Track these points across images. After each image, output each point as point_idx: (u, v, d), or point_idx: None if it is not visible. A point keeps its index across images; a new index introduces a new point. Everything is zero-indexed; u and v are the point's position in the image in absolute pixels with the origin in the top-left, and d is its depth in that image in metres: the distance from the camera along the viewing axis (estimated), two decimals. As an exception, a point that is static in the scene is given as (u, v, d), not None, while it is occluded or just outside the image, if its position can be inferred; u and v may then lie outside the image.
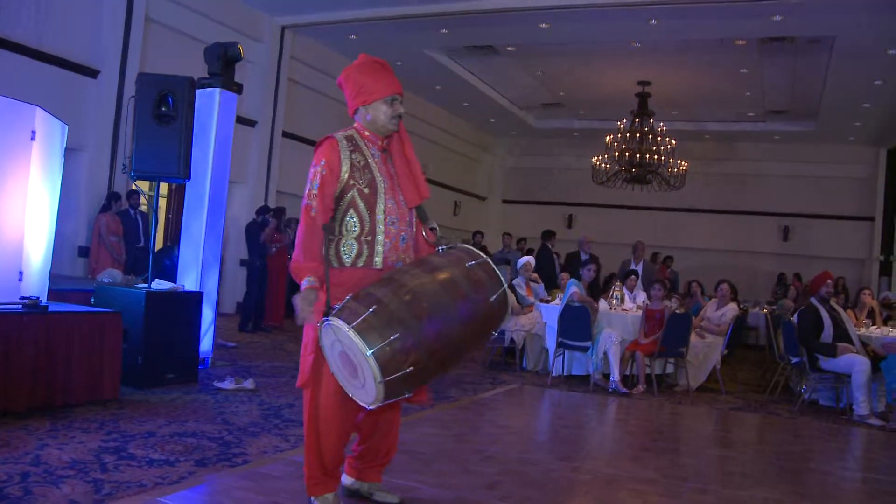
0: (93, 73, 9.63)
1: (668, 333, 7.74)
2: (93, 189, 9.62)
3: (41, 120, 4.58)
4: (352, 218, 3.01)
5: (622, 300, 8.81)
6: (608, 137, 14.71)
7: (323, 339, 2.80)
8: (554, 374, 8.20)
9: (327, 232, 2.98)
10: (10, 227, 4.42)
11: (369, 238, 3.01)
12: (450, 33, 12.61)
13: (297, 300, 2.87)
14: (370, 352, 2.55)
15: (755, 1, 9.79)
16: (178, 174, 5.77)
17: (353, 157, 3.03)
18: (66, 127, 5.14)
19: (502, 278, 2.97)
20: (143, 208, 9.58)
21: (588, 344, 7.84)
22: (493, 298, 2.87)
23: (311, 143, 13.89)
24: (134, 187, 9.32)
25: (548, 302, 9.04)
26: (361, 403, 2.77)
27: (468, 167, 20.90)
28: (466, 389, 7.09)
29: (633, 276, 9.47)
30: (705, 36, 11.70)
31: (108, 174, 9.73)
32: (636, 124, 14.53)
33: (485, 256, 2.98)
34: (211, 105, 6.85)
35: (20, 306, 4.37)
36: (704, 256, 18.51)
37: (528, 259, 9.89)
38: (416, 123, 17.23)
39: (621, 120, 14.76)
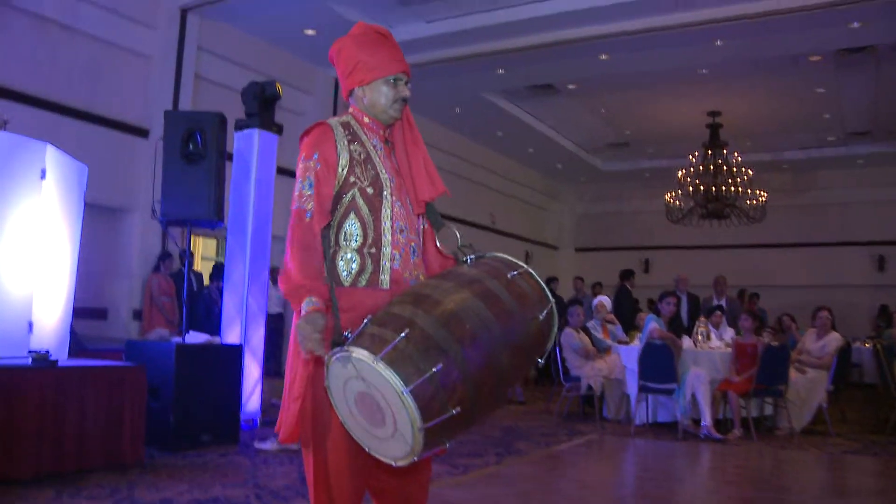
0: (143, 133, 9.49)
1: (764, 369, 6.90)
2: (146, 249, 9.39)
3: (52, 158, 4.24)
4: (352, 224, 2.39)
5: (707, 337, 8.00)
6: (680, 172, 13.97)
7: (331, 377, 2.16)
8: (637, 422, 7.41)
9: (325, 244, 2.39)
10: (18, 272, 4.04)
11: (373, 250, 2.39)
12: (507, 73, 12.18)
13: (300, 326, 2.21)
14: (407, 389, 1.92)
15: (829, 8, 9.05)
16: (210, 216, 5.36)
17: (352, 147, 2.42)
18: (86, 168, 4.80)
19: (547, 291, 2.37)
20: (198, 268, 9.31)
21: (673, 386, 7.06)
22: (542, 315, 2.26)
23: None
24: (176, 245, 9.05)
25: (626, 343, 8.29)
26: (386, 460, 2.12)
27: (537, 216, 20.30)
28: (539, 442, 6.39)
29: (717, 312, 8.66)
30: (776, 53, 10.92)
31: (161, 234, 9.50)
32: (709, 157, 13.76)
33: (525, 266, 2.36)
34: (250, 147, 6.52)
35: (27, 360, 3.96)
36: (792, 293, 17.29)
37: (602, 298, 9.21)
38: (480, 173, 16.82)
39: (693, 154, 14.00)
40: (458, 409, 1.99)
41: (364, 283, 2.37)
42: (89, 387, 4.12)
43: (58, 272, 4.43)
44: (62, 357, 4.53)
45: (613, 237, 20.31)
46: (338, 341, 2.14)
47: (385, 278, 2.39)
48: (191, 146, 5.28)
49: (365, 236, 2.39)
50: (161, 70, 9.59)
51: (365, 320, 2.10)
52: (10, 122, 8.04)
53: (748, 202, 13.98)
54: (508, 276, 2.27)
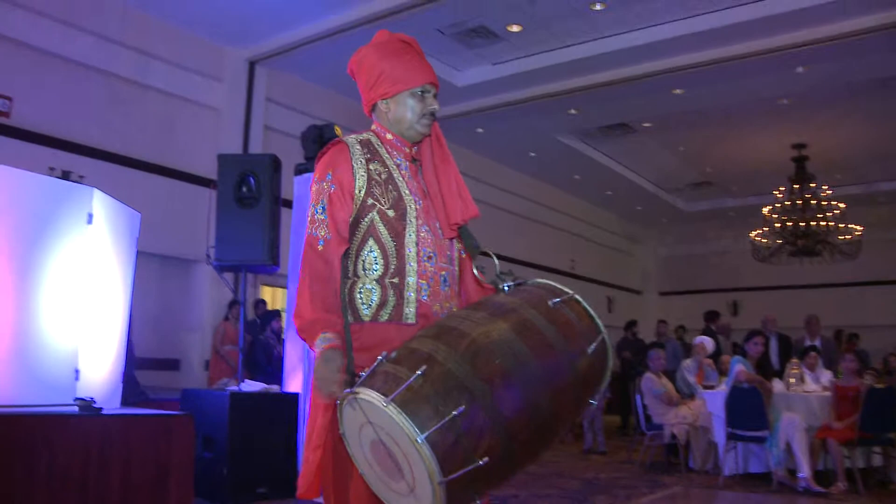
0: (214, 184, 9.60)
1: (869, 415, 6.30)
2: (217, 299, 9.39)
3: (100, 203, 4.16)
4: (371, 252, 2.14)
5: (802, 380, 7.41)
6: (766, 209, 13.34)
7: (345, 422, 1.89)
8: (727, 473, 6.85)
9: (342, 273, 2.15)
10: (64, 318, 3.94)
11: (396, 280, 2.13)
12: (579, 113, 11.92)
13: (317, 367, 1.97)
14: (423, 436, 1.64)
15: (921, 25, 8.49)
16: (264, 260, 5.22)
17: (371, 167, 2.19)
18: (139, 215, 4.73)
19: (598, 321, 2.06)
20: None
21: (765, 433, 6.51)
22: (591, 349, 1.95)
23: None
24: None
25: (711, 388, 7.75)
26: None
27: (619, 260, 19.76)
28: (618, 495, 5.95)
29: (812, 353, 8.05)
30: (864, 77, 10.31)
31: (233, 282, 9.50)
32: (796, 192, 13.10)
33: (571, 292, 2.06)
34: (308, 191, 6.39)
35: (72, 408, 3.84)
36: (891, 333, 16.22)
37: (703, 339, 8.65)
38: (559, 217, 16.51)
39: (778, 189, 13.36)
40: (487, 459, 1.69)
41: (386, 317, 2.11)
42: (135, 436, 3.96)
43: (108, 319, 4.32)
44: (114, 405, 4.41)
45: (699, 279, 19.59)
46: (350, 383, 1.89)
47: (410, 311, 2.12)
48: (244, 189, 5.18)
49: (386, 265, 2.14)
50: (230, 121, 9.70)
51: (379, 357, 1.83)
52: (86, 178, 8.24)
53: (840, 238, 13.22)
54: (550, 303, 1.97)
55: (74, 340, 4.00)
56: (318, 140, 6.59)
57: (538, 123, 12.40)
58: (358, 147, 2.22)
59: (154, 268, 8.87)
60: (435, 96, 2.29)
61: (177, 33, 9.04)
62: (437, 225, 2.24)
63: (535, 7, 8.68)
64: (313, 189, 2.19)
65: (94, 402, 3.90)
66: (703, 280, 19.46)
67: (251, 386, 5.23)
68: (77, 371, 3.99)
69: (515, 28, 9.40)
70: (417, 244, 2.16)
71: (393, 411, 1.67)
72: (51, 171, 7.73)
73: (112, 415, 3.98)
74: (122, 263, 4.50)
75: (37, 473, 3.54)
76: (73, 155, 8.22)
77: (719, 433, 7.02)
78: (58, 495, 3.63)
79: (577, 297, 2.06)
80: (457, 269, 2.30)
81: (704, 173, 15.51)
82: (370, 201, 2.15)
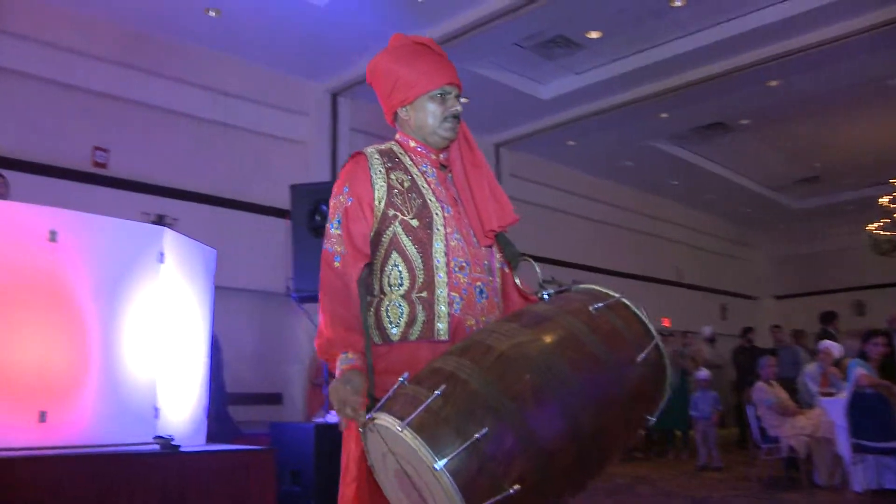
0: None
1: None
2: (312, 331, 9.44)
3: (171, 241, 4.20)
4: (396, 266, 2.01)
5: (932, 382, 6.78)
6: (884, 199, 12.49)
7: (370, 450, 1.77)
8: (857, 489, 6.33)
9: (363, 291, 2.02)
10: (141, 357, 3.97)
11: (424, 294, 1.98)
12: (670, 116, 11.50)
13: (334, 388, 1.86)
14: (441, 463, 1.47)
15: None
16: (341, 289, 5.15)
17: (392, 176, 2.07)
18: (214, 252, 4.76)
19: (650, 326, 1.84)
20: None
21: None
22: (640, 358, 1.73)
23: (544, 260, 13.23)
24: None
25: (831, 395, 7.20)
26: None
27: (730, 265, 18.93)
28: (733, 515, 5.56)
29: (943, 352, 7.37)
30: None
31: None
32: (917, 178, 12.23)
33: (617, 296, 1.85)
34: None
35: (152, 446, 3.85)
36: None
37: (829, 344, 8.09)
38: (660, 226, 15.98)
39: (896, 178, 12.50)
40: (518, 487, 1.51)
41: (417, 335, 1.96)
42: (214, 472, 3.93)
43: (187, 356, 4.34)
44: (198, 442, 4.41)
45: (818, 280, 18.54)
46: (371, 406, 1.74)
47: (442, 327, 1.96)
48: (317, 218, 5.15)
49: (413, 279, 1.99)
50: (317, 154, 9.81)
51: (400, 379, 1.68)
52: (180, 221, 8.47)
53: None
54: (591, 309, 1.77)
55: (153, 378, 4.02)
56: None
57: (630, 131, 12.03)
58: (377, 157, 2.10)
59: (254, 303, 9.02)
60: (457, 97, 2.15)
61: (258, 71, 9.22)
62: (472, 233, 2.08)
63: (612, 11, 8.42)
64: (331, 204, 2.08)
65: (173, 439, 3.90)
66: (823, 280, 18.40)
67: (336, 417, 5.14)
68: (157, 409, 4.00)
69: (595, 34, 9.13)
70: (447, 254, 2.02)
71: (408, 436, 1.52)
72: (145, 217, 7.99)
73: (191, 452, 3.97)
74: (198, 300, 4.52)
75: (117, 514, 3.55)
76: (166, 199, 8.47)
77: (843, 445, 6.49)
78: (139, 536, 3.63)
79: (625, 300, 1.85)
80: (497, 279, 2.14)
81: (812, 168, 14.67)
82: (391, 212, 2.03)
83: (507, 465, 1.52)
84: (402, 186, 2.06)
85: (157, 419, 3.99)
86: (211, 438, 4.75)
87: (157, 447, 3.86)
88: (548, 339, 1.68)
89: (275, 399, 9.13)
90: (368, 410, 1.73)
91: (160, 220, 8.22)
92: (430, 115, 2.12)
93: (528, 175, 12.96)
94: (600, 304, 1.79)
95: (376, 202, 2.03)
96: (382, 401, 1.66)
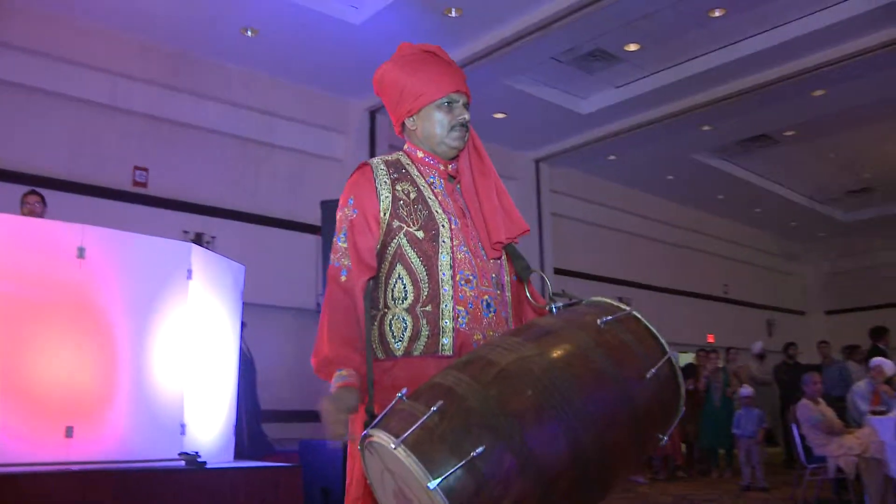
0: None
1: None
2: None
3: (199, 258, 4.22)
4: (400, 279, 1.95)
5: None
6: (937, 210, 12.11)
7: (369, 469, 1.70)
8: (912, 513, 6.08)
9: (367, 305, 1.97)
10: (169, 373, 3.98)
11: (429, 307, 1.91)
12: (714, 129, 11.32)
13: (323, 406, 1.81)
14: (436, 483, 1.40)
15: None
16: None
17: (398, 187, 2.01)
18: (243, 268, 4.77)
19: (662, 340, 1.75)
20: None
21: (950, 464, 5.72)
22: (650, 374, 1.64)
23: (586, 276, 13.09)
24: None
25: (882, 414, 6.94)
26: None
27: (777, 281, 18.53)
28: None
29: None
30: None
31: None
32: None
33: (628, 309, 1.77)
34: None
35: (178, 462, 3.84)
36: None
37: (881, 361, 7.76)
38: (706, 241, 15.72)
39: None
40: (516, 510, 1.44)
41: (420, 349, 1.90)
42: (241, 489, 3.92)
43: (215, 372, 4.35)
44: (225, 458, 4.41)
45: (870, 294, 17.98)
46: (368, 423, 1.68)
47: (447, 342, 1.90)
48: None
49: (417, 292, 1.93)
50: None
51: (398, 394, 1.62)
52: (218, 239, 8.55)
53: None
54: (599, 323, 1.70)
55: (180, 394, 4.03)
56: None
57: (672, 144, 11.87)
58: (383, 168, 2.06)
59: (288, 320, 9.04)
60: (466, 105, 2.09)
61: (296, 90, 9.31)
62: (480, 245, 2.02)
63: (650, 23, 8.31)
64: (337, 217, 2.04)
65: (199, 455, 3.89)
66: (876, 295, 17.84)
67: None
68: (183, 425, 4.00)
69: (633, 47, 9.04)
70: (453, 267, 1.95)
71: (402, 454, 1.46)
72: (185, 235, 8.08)
73: (217, 468, 3.97)
74: (227, 316, 4.53)
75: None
76: (205, 217, 8.56)
77: (895, 466, 6.23)
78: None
79: (636, 313, 1.77)
80: (507, 293, 2.07)
81: (862, 179, 14.30)
82: (396, 224, 1.98)
83: (505, 486, 1.44)
84: (409, 198, 2.01)
85: (183, 435, 4.00)
86: (244, 455, 4.74)
87: (182, 463, 3.86)
88: (552, 353, 1.61)
89: (310, 416, 9.10)
90: (366, 427, 1.68)
91: (198, 238, 8.32)
92: (437, 124, 2.06)
93: (568, 190, 12.87)
94: (609, 318, 1.71)
95: (381, 213, 1.98)
96: (379, 417, 1.60)
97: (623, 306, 1.79)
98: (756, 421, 8.38)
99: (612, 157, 12.39)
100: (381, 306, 1.97)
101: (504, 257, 2.09)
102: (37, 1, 7.41)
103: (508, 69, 9.24)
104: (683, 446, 10.23)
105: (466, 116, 2.06)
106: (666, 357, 1.71)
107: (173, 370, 4.02)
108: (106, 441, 3.75)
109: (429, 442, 1.46)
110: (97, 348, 3.79)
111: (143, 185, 8.30)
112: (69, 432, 3.63)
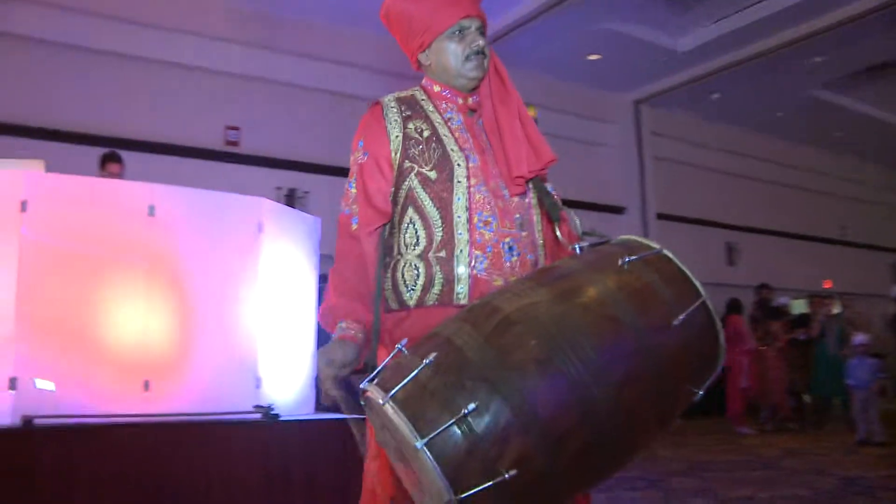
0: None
1: None
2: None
3: (270, 212, 4.21)
4: (412, 224, 1.81)
5: None
6: None
7: (375, 425, 1.59)
8: None
9: (382, 253, 1.86)
10: (243, 327, 4.02)
11: (443, 253, 1.77)
12: (826, 60, 10.58)
13: (318, 356, 1.76)
14: (423, 441, 1.30)
15: None
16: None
17: (410, 126, 1.85)
18: (319, 220, 4.74)
19: (696, 281, 1.57)
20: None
21: None
22: (677, 321, 1.47)
23: (692, 221, 12.58)
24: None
25: None
26: None
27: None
28: (881, 499, 5.02)
29: None
30: None
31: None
32: None
33: (658, 247, 1.59)
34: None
35: (253, 415, 3.88)
36: None
37: None
38: (821, 180, 14.84)
39: None
40: (515, 472, 1.31)
41: (434, 299, 1.78)
42: (317, 441, 3.93)
43: (292, 326, 4.36)
44: (305, 411, 4.44)
45: None
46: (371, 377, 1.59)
47: (463, 290, 1.77)
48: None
49: (430, 237, 1.79)
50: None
51: (398, 345, 1.52)
52: (311, 194, 8.60)
53: None
54: (619, 263, 1.54)
55: (254, 348, 4.06)
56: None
57: (779, 79, 11.20)
58: (394, 105, 1.90)
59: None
60: (479, 30, 1.89)
61: (380, 41, 9.20)
62: (501, 183, 1.86)
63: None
64: (350, 162, 1.92)
65: (273, 408, 3.92)
66: None
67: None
68: (258, 378, 4.04)
69: (732, -24, 8.50)
70: (469, 208, 1.79)
71: (390, 410, 1.36)
72: (278, 192, 8.19)
73: (292, 420, 3.99)
74: (303, 269, 4.52)
75: (213, 479, 3.61)
76: (298, 173, 8.66)
77: None
78: (238, 502, 3.69)
79: (667, 252, 1.60)
80: (536, 234, 1.90)
81: None
82: (407, 164, 1.83)
83: (501, 446, 1.32)
84: (421, 136, 1.85)
85: (258, 388, 4.03)
86: (337, 408, 4.75)
87: (257, 416, 3.90)
88: (563, 299, 1.46)
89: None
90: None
91: (291, 194, 8.42)
92: (450, 56, 1.88)
93: (670, 132, 12.37)
94: (634, 258, 1.54)
95: (392, 153, 1.84)
96: (377, 371, 1.50)
97: (653, 244, 1.62)
98: (870, 370, 7.87)
99: (715, 96, 11.82)
100: (394, 253, 1.86)
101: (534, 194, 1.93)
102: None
103: (602, 10, 8.90)
104: (792, 398, 9.78)
105: (481, 42, 1.87)
106: (699, 301, 1.53)
107: (247, 324, 4.05)
108: (182, 395, 3.82)
109: (419, 397, 1.36)
110: (171, 304, 3.85)
111: (235, 143, 8.44)
112: (147, 386, 3.71)
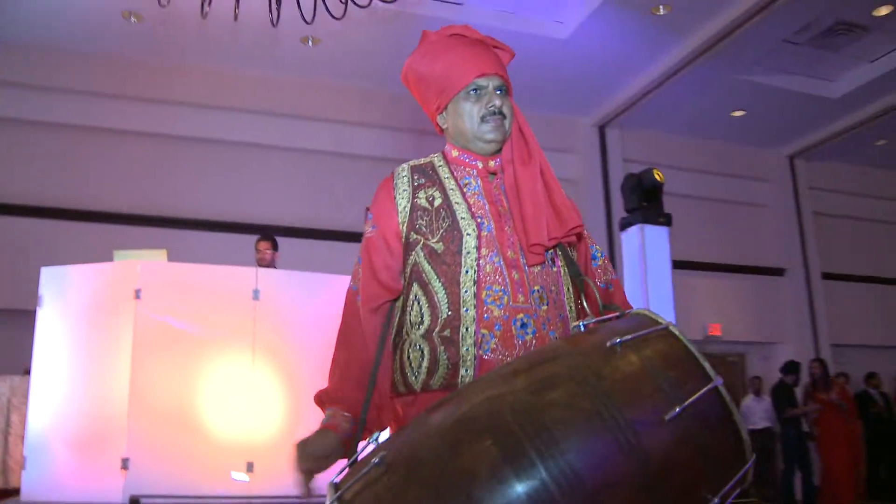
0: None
1: None
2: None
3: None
4: (416, 301, 1.67)
5: None
6: None
7: None
8: None
9: (393, 332, 1.73)
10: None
11: (447, 333, 1.62)
12: None
13: (296, 451, 1.64)
14: None
15: None
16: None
17: (421, 195, 1.73)
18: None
19: (705, 363, 1.35)
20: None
21: None
22: (672, 413, 1.21)
23: (861, 279, 11.51)
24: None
25: None
26: None
27: None
28: None
29: None
30: None
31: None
32: None
33: (665, 323, 1.36)
34: (635, 245, 6.01)
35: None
36: None
37: None
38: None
39: None
40: None
41: (439, 383, 1.62)
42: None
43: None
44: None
45: None
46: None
47: (467, 373, 1.60)
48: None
49: (434, 315, 1.65)
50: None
51: (370, 438, 1.41)
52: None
53: None
54: (610, 344, 1.35)
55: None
56: (638, 188, 6.15)
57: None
58: (406, 174, 1.79)
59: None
60: (499, 90, 1.76)
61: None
62: (521, 252, 1.69)
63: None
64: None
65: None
66: None
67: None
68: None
69: (884, 10, 7.82)
70: (477, 282, 1.63)
71: None
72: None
73: None
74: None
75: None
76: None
77: None
78: None
79: (673, 328, 1.37)
80: (566, 307, 1.72)
81: None
82: (413, 237, 1.71)
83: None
84: (431, 205, 1.73)
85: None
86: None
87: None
88: (535, 389, 1.28)
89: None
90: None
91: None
92: (465, 117, 1.75)
93: (831, 185, 11.54)
94: (628, 337, 1.34)
95: (399, 225, 1.74)
96: (348, 464, 1.40)
97: (661, 320, 1.40)
98: None
99: (881, 143, 10.92)
100: (402, 333, 1.73)
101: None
102: (270, 67, 8.11)
103: (737, 61, 8.51)
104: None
105: (497, 102, 1.74)
106: (709, 387, 1.31)
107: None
108: (285, 476, 3.85)
109: (365, 499, 1.25)
110: (273, 386, 3.93)
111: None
112: (249, 468, 3.78)
